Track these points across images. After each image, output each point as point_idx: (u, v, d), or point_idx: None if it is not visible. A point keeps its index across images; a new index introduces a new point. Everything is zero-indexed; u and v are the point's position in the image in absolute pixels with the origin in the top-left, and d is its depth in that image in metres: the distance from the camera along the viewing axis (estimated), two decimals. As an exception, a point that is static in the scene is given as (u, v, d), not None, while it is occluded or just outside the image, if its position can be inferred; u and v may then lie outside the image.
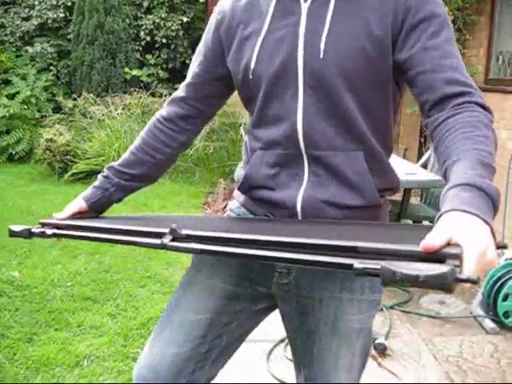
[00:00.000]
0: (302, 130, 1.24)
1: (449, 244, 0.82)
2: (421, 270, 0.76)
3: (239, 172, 1.43)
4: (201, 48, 1.43)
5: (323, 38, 1.20)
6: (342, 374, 1.34)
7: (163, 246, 1.05)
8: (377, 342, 2.86)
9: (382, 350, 2.84)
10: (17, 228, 1.26)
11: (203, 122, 1.51)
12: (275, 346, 2.87)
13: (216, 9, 1.40)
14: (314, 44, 1.21)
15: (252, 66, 1.26)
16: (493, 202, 0.93)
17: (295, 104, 1.24)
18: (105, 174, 1.49)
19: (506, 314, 3.15)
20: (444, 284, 0.75)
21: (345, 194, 1.24)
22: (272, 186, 1.30)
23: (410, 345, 2.97)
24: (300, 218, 1.27)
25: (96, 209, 1.49)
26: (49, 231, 1.24)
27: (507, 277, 3.16)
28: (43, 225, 1.29)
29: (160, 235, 1.07)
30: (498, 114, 4.92)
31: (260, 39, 1.26)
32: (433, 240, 0.81)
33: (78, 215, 1.45)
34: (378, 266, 0.78)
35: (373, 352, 2.85)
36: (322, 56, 1.20)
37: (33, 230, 1.25)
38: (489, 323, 3.16)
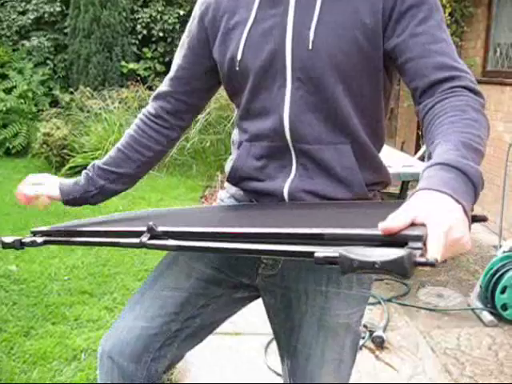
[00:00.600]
0: (288, 123, 1.22)
1: (413, 224, 0.77)
2: (378, 255, 0.71)
3: (228, 164, 1.41)
4: (185, 39, 1.38)
5: (312, 29, 1.17)
6: (328, 369, 1.32)
7: (142, 245, 1.03)
8: (374, 334, 2.86)
9: (380, 343, 2.84)
10: (8, 239, 1.23)
11: (193, 115, 1.46)
12: (273, 339, 2.86)
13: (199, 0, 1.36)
14: (302, 35, 1.18)
15: (238, 57, 1.24)
16: (473, 184, 0.88)
17: (282, 97, 1.22)
18: (89, 174, 1.41)
19: (504, 307, 3.15)
20: (401, 269, 0.70)
21: (332, 187, 1.23)
22: (260, 177, 1.29)
23: (408, 337, 2.96)
24: None
25: (67, 202, 1.41)
26: (39, 239, 1.21)
27: (505, 269, 3.16)
28: (34, 233, 1.26)
29: (138, 234, 1.04)
30: (495, 106, 4.94)
31: (246, 29, 1.23)
32: (392, 221, 0.76)
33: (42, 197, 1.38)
34: (338, 253, 0.74)
35: (370, 345, 2.85)
36: (310, 47, 1.17)
37: (23, 240, 1.22)
38: (487, 316, 3.16)
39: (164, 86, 1.41)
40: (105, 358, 1.31)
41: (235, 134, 1.39)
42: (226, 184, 1.42)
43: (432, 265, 0.71)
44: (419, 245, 0.74)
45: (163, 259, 1.40)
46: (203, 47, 1.33)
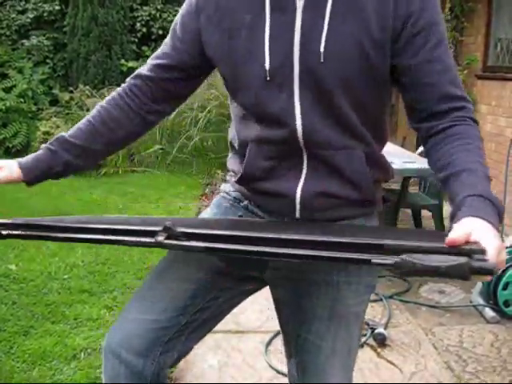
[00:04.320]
0: (301, 130, 1.21)
1: (467, 242, 0.90)
2: (440, 261, 0.85)
3: (232, 161, 1.39)
4: (176, 27, 1.32)
5: (322, 41, 1.15)
6: (339, 358, 1.33)
7: (158, 244, 1.01)
8: (376, 331, 2.85)
9: (382, 340, 2.82)
10: None
11: (173, 104, 1.41)
12: (274, 336, 2.85)
13: None
14: (311, 46, 1.16)
15: (267, 65, 1.19)
16: (498, 211, 1.04)
17: (292, 105, 1.20)
18: (53, 147, 1.31)
19: (507, 303, 3.14)
20: (463, 274, 0.84)
21: (341, 188, 1.26)
22: (270, 177, 1.28)
23: (410, 335, 2.95)
24: (298, 208, 1.26)
25: (30, 182, 1.33)
26: (4, 232, 1.17)
27: (507, 265, 3.14)
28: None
29: (152, 233, 1.02)
30: (496, 101, 4.92)
31: (267, 36, 1.18)
32: (456, 236, 0.90)
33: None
34: (393, 260, 0.87)
35: (372, 342, 2.83)
36: (322, 60, 1.16)
37: None
38: (489, 312, 3.14)
39: (146, 70, 1.35)
40: (111, 354, 1.29)
41: (234, 134, 1.36)
42: (232, 180, 1.40)
43: (491, 273, 0.86)
44: (483, 257, 0.88)
45: (169, 252, 1.38)
46: (194, 41, 1.29)
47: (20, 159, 1.32)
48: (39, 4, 8.20)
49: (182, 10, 1.33)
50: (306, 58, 1.17)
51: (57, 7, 8.20)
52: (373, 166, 1.27)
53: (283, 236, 0.99)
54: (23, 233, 1.19)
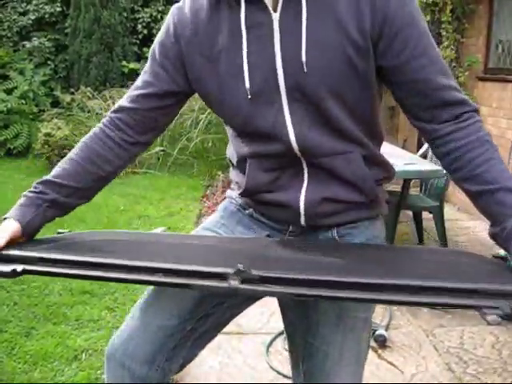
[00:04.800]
0: (295, 141, 1.21)
1: None
2: None
3: (234, 173, 1.39)
4: (156, 55, 1.29)
5: (303, 50, 1.14)
6: (347, 364, 1.32)
7: (233, 291, 0.97)
8: (377, 333, 2.84)
9: (382, 342, 2.82)
10: None
11: (156, 133, 1.37)
12: (275, 338, 2.85)
13: (171, 17, 1.27)
14: (293, 57, 1.15)
15: (247, 85, 1.18)
16: None
17: (283, 119, 1.20)
18: (36, 189, 1.24)
19: (507, 305, 3.13)
20: None
21: (345, 192, 1.26)
22: (273, 188, 1.28)
23: (411, 336, 2.95)
24: (303, 216, 1.27)
25: (29, 232, 1.23)
26: (18, 268, 1.06)
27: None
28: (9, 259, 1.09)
29: (222, 276, 0.97)
30: (497, 103, 4.92)
31: (245, 57, 1.17)
32: None
33: (11, 242, 1.17)
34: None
35: (373, 344, 2.83)
36: (305, 70, 1.14)
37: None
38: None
39: (128, 102, 1.31)
40: (114, 362, 1.28)
41: (232, 151, 1.36)
42: (233, 187, 1.41)
43: None
44: None
45: None
46: (177, 68, 1.26)
47: (8, 215, 1.21)
48: (40, 5, 8.22)
49: (159, 37, 1.29)
50: (289, 69, 1.16)
51: (58, 9, 8.23)
52: (372, 166, 1.27)
53: (371, 281, 0.99)
54: (46, 269, 1.09)
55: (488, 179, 1.14)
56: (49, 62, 8.23)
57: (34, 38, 8.15)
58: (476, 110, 1.21)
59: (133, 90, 1.32)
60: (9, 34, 8.25)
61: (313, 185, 1.25)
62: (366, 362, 1.40)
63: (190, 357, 1.36)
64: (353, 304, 1.28)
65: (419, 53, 1.16)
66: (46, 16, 8.24)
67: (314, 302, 1.29)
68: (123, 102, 1.32)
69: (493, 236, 1.15)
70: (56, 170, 1.28)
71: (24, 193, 1.25)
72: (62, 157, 1.36)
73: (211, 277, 0.99)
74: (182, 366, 1.35)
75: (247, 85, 1.18)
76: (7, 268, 1.07)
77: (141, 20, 8.30)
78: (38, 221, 1.23)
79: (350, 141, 1.23)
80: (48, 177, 1.26)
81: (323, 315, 1.30)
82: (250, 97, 1.18)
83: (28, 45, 8.10)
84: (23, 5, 8.34)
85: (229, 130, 1.35)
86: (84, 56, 7.89)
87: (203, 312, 1.31)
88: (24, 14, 8.32)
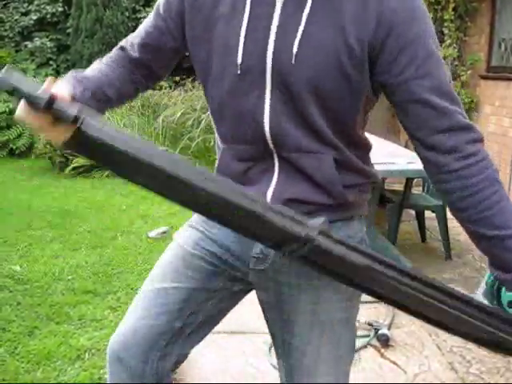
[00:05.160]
0: (269, 130, 1.18)
1: None
2: None
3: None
4: (160, 9, 1.28)
5: (296, 42, 1.12)
6: (326, 365, 1.30)
7: (311, 241, 1.03)
8: (379, 332, 2.84)
9: (385, 341, 2.82)
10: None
11: (154, 80, 1.41)
12: (277, 337, 2.84)
13: None
14: (285, 45, 1.13)
15: (239, 60, 1.16)
16: None
17: (262, 104, 1.18)
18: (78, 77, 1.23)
19: (511, 304, 3.12)
20: None
21: (312, 193, 1.22)
22: (243, 180, 1.25)
23: (413, 335, 2.94)
24: None
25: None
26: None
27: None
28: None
29: (303, 225, 1.05)
30: (500, 101, 4.91)
31: (243, 31, 1.16)
32: None
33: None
34: None
35: (376, 343, 2.83)
36: (293, 62, 1.12)
37: None
38: (493, 312, 3.13)
39: (132, 51, 1.32)
40: (113, 359, 1.31)
41: (217, 138, 1.35)
42: None
43: None
44: None
45: (162, 257, 1.39)
46: (177, 23, 1.26)
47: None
48: (42, 6, 8.23)
49: None
50: (278, 57, 1.14)
51: (60, 9, 8.24)
52: (345, 171, 1.22)
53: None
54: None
55: (498, 224, 1.12)
56: (51, 62, 8.25)
57: (36, 38, 8.16)
58: (482, 140, 1.14)
59: (136, 37, 1.33)
60: (11, 35, 8.26)
61: (281, 183, 1.22)
62: (351, 366, 1.37)
63: (184, 354, 1.37)
64: (327, 302, 1.27)
65: (424, 73, 1.10)
66: (48, 16, 8.25)
67: (289, 299, 1.28)
68: (128, 49, 1.33)
69: (502, 281, 1.18)
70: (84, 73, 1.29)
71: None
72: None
73: (293, 221, 1.04)
74: (177, 363, 1.36)
75: (239, 60, 1.16)
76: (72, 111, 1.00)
77: (142, 19, 8.26)
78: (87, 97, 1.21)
79: (324, 143, 1.19)
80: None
81: (298, 314, 1.28)
82: (239, 72, 1.17)
83: (30, 45, 8.12)
84: (25, 5, 8.36)
85: (211, 107, 1.31)
86: (86, 56, 7.89)
87: (191, 309, 1.32)
88: (26, 14, 8.34)
